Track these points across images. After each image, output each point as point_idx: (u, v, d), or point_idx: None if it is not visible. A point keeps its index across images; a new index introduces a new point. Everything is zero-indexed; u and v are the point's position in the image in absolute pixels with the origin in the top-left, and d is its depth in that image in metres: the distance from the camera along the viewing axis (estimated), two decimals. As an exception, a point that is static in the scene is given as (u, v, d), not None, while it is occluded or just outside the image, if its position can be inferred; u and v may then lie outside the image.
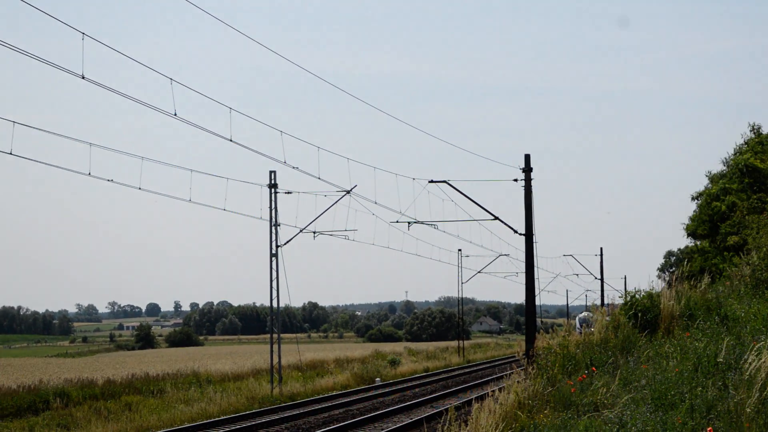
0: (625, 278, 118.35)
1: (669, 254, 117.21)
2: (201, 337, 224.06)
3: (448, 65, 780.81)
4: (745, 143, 58.84)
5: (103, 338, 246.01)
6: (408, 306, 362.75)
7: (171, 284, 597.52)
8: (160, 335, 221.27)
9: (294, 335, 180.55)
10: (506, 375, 24.61)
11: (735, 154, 58.79)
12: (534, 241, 40.84)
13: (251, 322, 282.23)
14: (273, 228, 48.09)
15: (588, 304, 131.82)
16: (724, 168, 60.43)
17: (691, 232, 62.55)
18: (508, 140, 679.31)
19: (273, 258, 48.23)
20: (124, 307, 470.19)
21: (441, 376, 62.32)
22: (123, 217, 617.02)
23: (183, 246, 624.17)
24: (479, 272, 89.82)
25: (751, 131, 57.86)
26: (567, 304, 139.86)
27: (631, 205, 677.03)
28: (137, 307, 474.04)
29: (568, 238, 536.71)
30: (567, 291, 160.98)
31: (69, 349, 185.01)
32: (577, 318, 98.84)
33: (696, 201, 64.58)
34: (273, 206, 48.00)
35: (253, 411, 39.63)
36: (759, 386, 14.55)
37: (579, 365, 22.27)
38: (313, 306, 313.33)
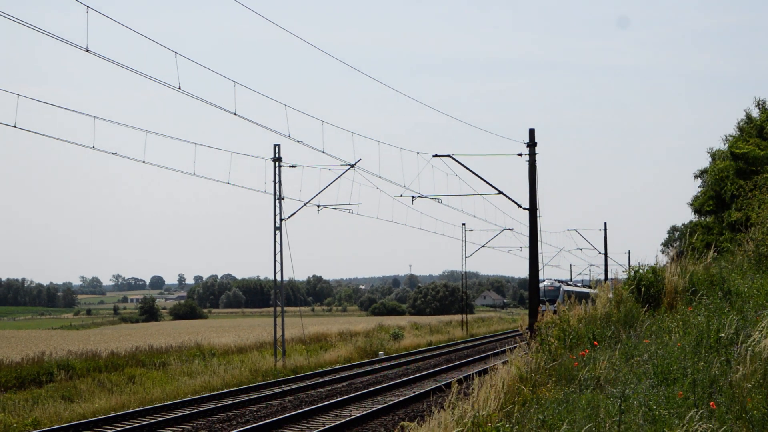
0: (629, 253, 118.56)
1: (673, 229, 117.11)
2: (205, 310, 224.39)
3: (454, 39, 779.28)
4: (739, 125, 58.63)
5: (107, 311, 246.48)
6: (412, 280, 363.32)
7: (175, 257, 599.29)
8: (164, 308, 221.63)
9: (298, 308, 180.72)
10: (509, 349, 24.65)
11: (738, 133, 58.56)
12: (538, 215, 40.90)
13: (255, 295, 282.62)
14: (277, 201, 48.10)
15: (590, 278, 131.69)
16: (725, 146, 60.24)
17: (698, 208, 62.44)
18: (513, 115, 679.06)
19: (277, 231, 48.25)
20: (128, 279, 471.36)
21: (444, 350, 62.47)
22: (127, 190, 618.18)
23: (187, 219, 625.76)
24: (483, 246, 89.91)
25: (756, 106, 57.59)
26: (570, 279, 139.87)
27: (635, 179, 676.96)
28: (141, 280, 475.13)
29: (572, 213, 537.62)
30: (571, 265, 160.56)
31: (73, 321, 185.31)
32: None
33: (701, 178, 64.40)
34: (277, 180, 48.00)
35: (257, 384, 39.74)
36: (762, 361, 14.56)
37: (581, 340, 22.28)
38: (317, 279, 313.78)
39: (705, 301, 22.00)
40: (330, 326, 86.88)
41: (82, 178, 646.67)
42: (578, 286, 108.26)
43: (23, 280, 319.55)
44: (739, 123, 59.04)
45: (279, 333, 49.45)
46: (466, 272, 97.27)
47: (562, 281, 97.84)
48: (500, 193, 43.75)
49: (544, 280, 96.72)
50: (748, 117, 57.63)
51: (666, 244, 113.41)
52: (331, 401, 32.23)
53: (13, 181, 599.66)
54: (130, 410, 31.24)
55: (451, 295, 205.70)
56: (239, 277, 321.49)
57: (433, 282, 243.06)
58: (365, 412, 28.97)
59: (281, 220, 48.28)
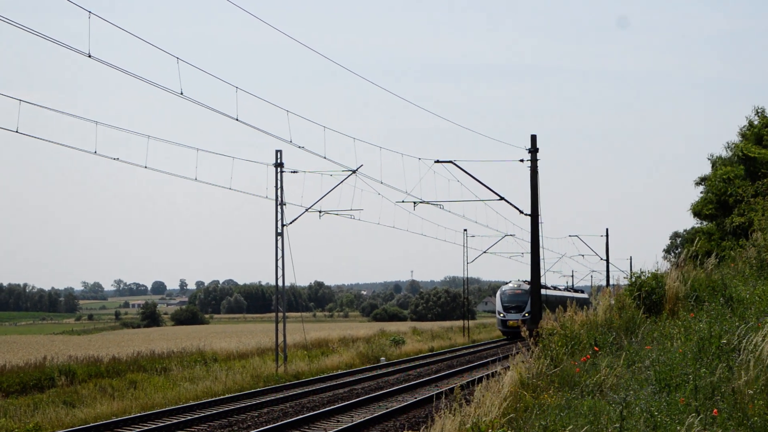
0: (631, 259, 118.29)
1: (675, 235, 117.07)
2: (206, 316, 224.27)
3: (455, 44, 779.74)
4: (742, 132, 58.54)
5: (108, 316, 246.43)
6: (413, 286, 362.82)
7: (176, 262, 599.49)
8: (166, 313, 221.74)
9: (299, 314, 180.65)
10: (511, 355, 24.65)
11: (740, 139, 58.48)
12: (539, 221, 40.93)
13: (256, 300, 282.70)
14: (279, 207, 48.11)
15: (591, 284, 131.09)
16: (728, 152, 60.12)
17: (697, 212, 62.33)
18: (514, 120, 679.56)
19: (278, 237, 48.27)
20: (129, 285, 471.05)
21: (446, 356, 62.41)
22: (129, 195, 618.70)
23: (189, 224, 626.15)
24: (485, 252, 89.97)
25: (755, 114, 57.52)
26: (572, 285, 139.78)
27: (637, 186, 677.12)
28: (143, 285, 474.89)
29: (574, 219, 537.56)
30: (572, 271, 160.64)
31: (74, 326, 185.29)
32: (499, 293, 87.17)
33: (701, 185, 64.26)
34: (279, 185, 48.02)
35: (258, 389, 39.74)
36: (764, 368, 14.56)
37: (583, 346, 22.29)
38: (319, 285, 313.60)
39: (707, 308, 22.00)
40: (331, 332, 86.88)
41: (83, 184, 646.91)
42: (560, 290, 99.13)
43: (25, 285, 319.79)
44: (741, 129, 58.97)
45: (280, 338, 49.44)
46: (467, 278, 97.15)
47: None
48: (502, 199, 43.78)
49: (509, 282, 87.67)
50: (750, 124, 57.60)
51: (668, 250, 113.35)
52: (332, 407, 32.21)
53: (14, 186, 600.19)
54: (132, 416, 31.24)
55: (453, 300, 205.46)
56: (241, 282, 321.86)
57: (435, 288, 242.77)
58: (366, 418, 28.96)
59: (283, 225, 48.31)
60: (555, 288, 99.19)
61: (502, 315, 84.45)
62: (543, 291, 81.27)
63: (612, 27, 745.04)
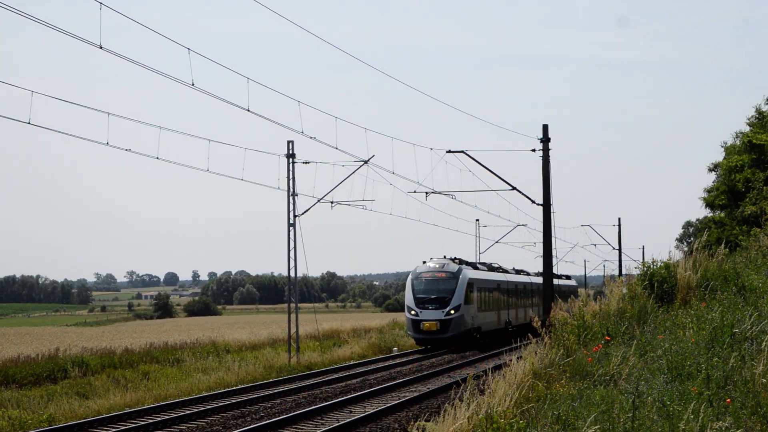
0: (643, 248, 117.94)
1: (688, 225, 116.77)
2: (219, 307, 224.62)
3: (467, 34, 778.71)
4: (749, 121, 58.43)
5: (121, 307, 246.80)
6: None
7: (189, 254, 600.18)
8: (179, 305, 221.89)
9: (311, 305, 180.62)
10: (523, 345, 24.64)
11: (748, 127, 58.36)
12: (552, 211, 40.87)
13: (269, 291, 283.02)
14: (291, 198, 48.14)
15: (603, 274, 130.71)
16: (735, 141, 60.06)
17: (710, 203, 62.31)
18: (526, 110, 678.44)
19: (291, 228, 48.30)
20: (142, 276, 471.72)
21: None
22: (141, 186, 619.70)
23: (201, 215, 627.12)
24: (497, 242, 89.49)
25: (766, 102, 57.36)
26: (585, 274, 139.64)
27: (649, 175, 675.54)
28: (155, 277, 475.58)
29: (586, 209, 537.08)
30: (585, 261, 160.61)
31: (87, 318, 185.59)
32: (411, 277, 57.00)
33: (714, 172, 64.22)
34: (291, 176, 48.03)
35: (271, 380, 39.78)
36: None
37: (595, 335, 22.29)
38: (331, 276, 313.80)
39: (719, 297, 21.97)
40: (344, 322, 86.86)
41: (95, 175, 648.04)
42: (510, 272, 70.98)
43: (38, 276, 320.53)
44: (749, 119, 58.83)
45: (293, 329, 49.49)
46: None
47: (470, 263, 61.12)
48: (514, 188, 43.74)
49: (430, 258, 57.72)
50: (759, 112, 57.44)
51: (680, 239, 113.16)
52: (345, 397, 32.24)
53: (27, 177, 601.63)
54: (145, 407, 31.31)
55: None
56: (253, 273, 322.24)
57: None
58: (379, 409, 28.98)
59: (295, 216, 48.34)
60: (500, 268, 69.83)
61: (413, 313, 55.28)
62: (476, 274, 59.34)
63: (625, 14, 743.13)
